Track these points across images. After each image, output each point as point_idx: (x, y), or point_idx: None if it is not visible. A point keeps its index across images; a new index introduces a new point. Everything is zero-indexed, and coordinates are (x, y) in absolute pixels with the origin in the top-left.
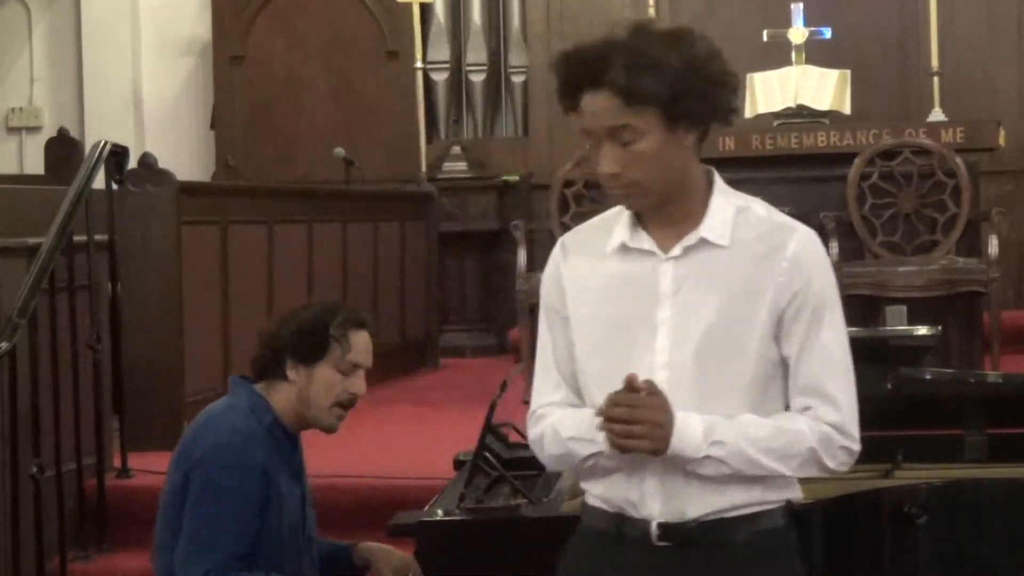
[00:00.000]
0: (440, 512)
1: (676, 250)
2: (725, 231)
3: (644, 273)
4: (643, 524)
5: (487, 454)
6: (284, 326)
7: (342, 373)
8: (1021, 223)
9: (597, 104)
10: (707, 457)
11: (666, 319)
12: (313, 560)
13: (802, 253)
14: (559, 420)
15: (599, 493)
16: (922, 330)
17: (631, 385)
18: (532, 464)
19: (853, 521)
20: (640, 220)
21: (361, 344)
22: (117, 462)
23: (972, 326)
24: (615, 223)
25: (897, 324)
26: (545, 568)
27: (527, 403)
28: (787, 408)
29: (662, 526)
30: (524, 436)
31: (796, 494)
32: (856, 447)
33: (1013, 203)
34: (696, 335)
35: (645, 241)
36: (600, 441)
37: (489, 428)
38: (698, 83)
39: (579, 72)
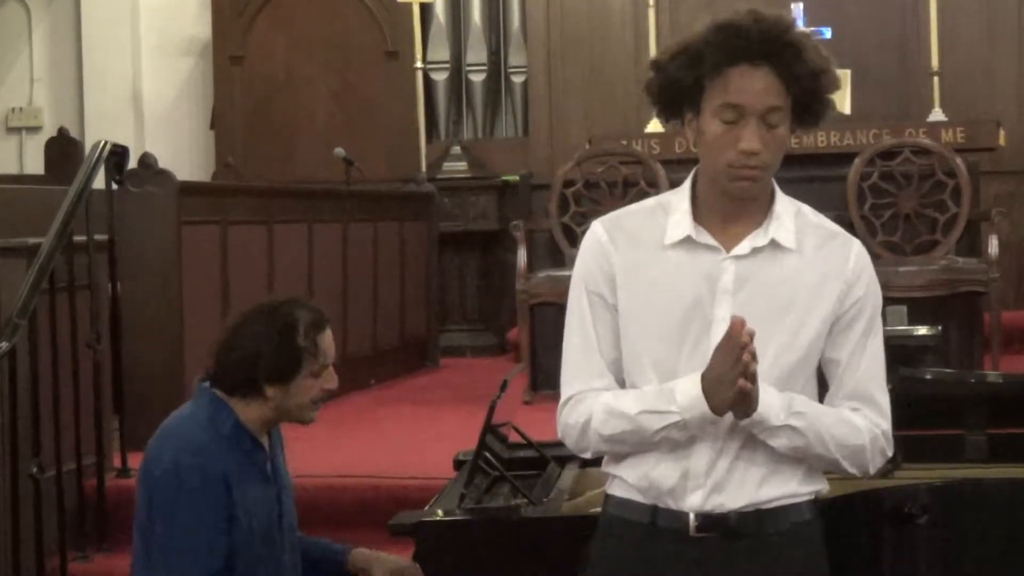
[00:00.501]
0: (440, 512)
1: (742, 248)
2: (791, 235)
3: (705, 268)
4: (681, 515)
5: (487, 454)
6: (245, 344)
7: (317, 376)
8: (1021, 223)
9: (758, 81)
10: (786, 426)
11: (724, 317)
12: (295, 555)
13: (862, 263)
14: (614, 400)
15: (635, 482)
16: (922, 330)
17: (736, 329)
18: (532, 464)
19: (853, 521)
20: (696, 215)
21: (328, 344)
22: (117, 462)
23: (972, 326)
24: (666, 215)
25: (897, 324)
26: (545, 568)
27: (527, 403)
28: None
29: (700, 516)
30: (524, 436)
31: (824, 487)
32: (891, 452)
33: (1013, 203)
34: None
35: (708, 236)
36: (675, 411)
37: (489, 428)
38: (825, 89)
39: (750, 42)
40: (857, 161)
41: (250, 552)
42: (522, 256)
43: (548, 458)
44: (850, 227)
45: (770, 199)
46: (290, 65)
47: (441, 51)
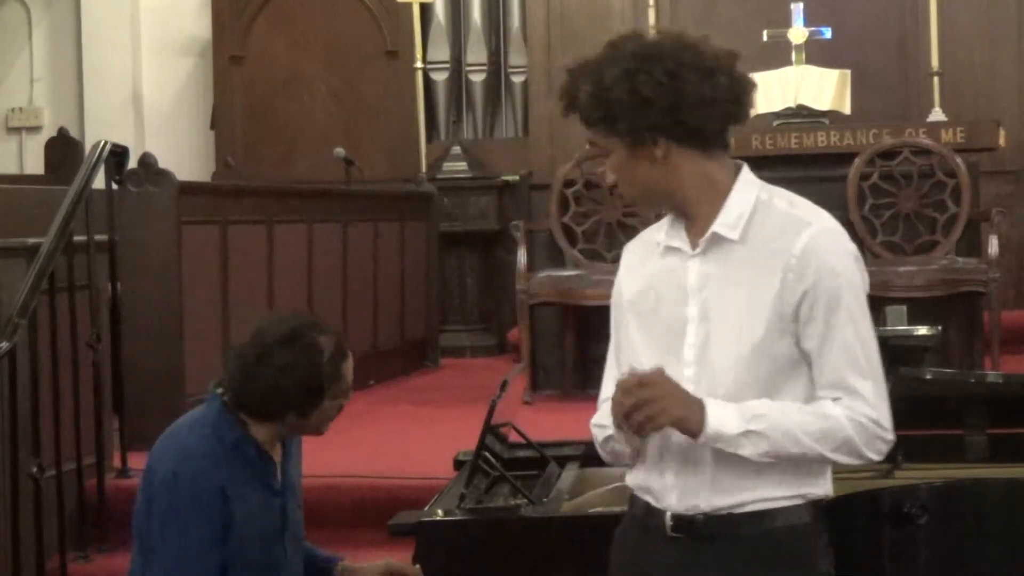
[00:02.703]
0: (440, 512)
1: (699, 247)
2: (738, 226)
3: (677, 270)
4: (661, 515)
5: (487, 454)
6: (272, 375)
7: (335, 398)
8: (1021, 223)
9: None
10: (748, 432)
11: (694, 315)
12: (298, 567)
13: (812, 248)
14: (596, 417)
15: (631, 482)
16: (922, 330)
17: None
18: (532, 464)
19: (853, 521)
20: (680, 220)
21: (349, 369)
22: (117, 462)
23: (972, 326)
24: (664, 225)
25: (897, 324)
26: (545, 568)
27: (527, 403)
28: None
29: (675, 517)
30: (524, 436)
31: (820, 490)
32: (891, 437)
33: (1013, 203)
34: (714, 331)
35: (676, 239)
36: (607, 426)
37: (489, 428)
38: (651, 104)
39: (560, 97)
40: (857, 161)
41: (246, 563)
42: (522, 256)
43: (548, 458)
44: (850, 227)
45: (726, 193)
46: (290, 65)
47: (441, 51)
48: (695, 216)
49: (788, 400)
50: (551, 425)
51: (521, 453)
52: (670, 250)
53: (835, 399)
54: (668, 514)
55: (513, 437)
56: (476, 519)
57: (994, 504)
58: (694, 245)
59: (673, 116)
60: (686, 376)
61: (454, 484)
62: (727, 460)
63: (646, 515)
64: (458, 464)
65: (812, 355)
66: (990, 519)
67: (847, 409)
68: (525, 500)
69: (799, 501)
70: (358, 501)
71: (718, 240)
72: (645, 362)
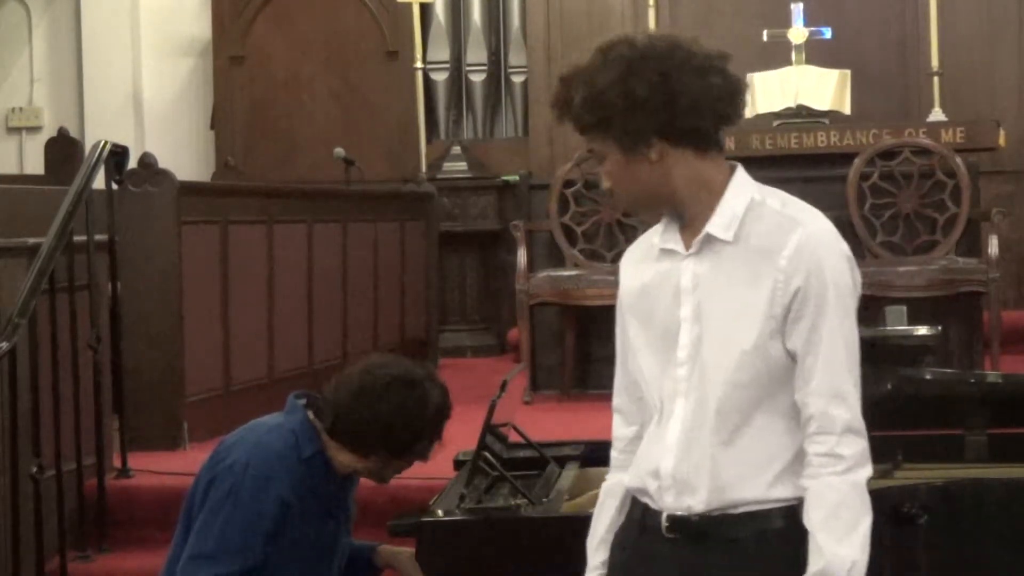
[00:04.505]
0: (440, 512)
1: (693, 247)
2: (732, 226)
3: (672, 272)
4: (658, 515)
5: (487, 454)
6: (378, 408)
7: (419, 454)
8: (1021, 223)
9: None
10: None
11: (687, 316)
12: None
13: (803, 248)
14: (603, 497)
15: (628, 484)
16: (922, 330)
17: None
18: (532, 464)
19: None
20: (675, 222)
21: (444, 431)
22: (117, 462)
23: (972, 326)
24: (660, 227)
25: (897, 324)
26: (545, 568)
27: (527, 403)
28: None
29: (670, 518)
30: (524, 436)
31: (800, 494)
32: (864, 439)
33: (1013, 203)
34: (706, 332)
35: (671, 241)
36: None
37: (489, 428)
38: (645, 105)
39: (553, 105)
40: (857, 161)
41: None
42: (522, 256)
43: (548, 458)
44: (850, 227)
45: (720, 194)
46: (290, 65)
47: (441, 51)
48: (690, 217)
49: (783, 400)
50: (551, 425)
51: (521, 453)
52: (665, 252)
53: (809, 418)
54: (664, 515)
55: (513, 437)
56: (476, 519)
57: (994, 504)
58: (688, 246)
59: (667, 117)
60: (679, 376)
61: (454, 484)
62: (723, 461)
63: (643, 516)
64: (458, 464)
65: (797, 354)
66: (990, 519)
67: (827, 460)
68: (525, 500)
69: (795, 502)
70: (358, 501)
71: (711, 241)
72: (644, 363)
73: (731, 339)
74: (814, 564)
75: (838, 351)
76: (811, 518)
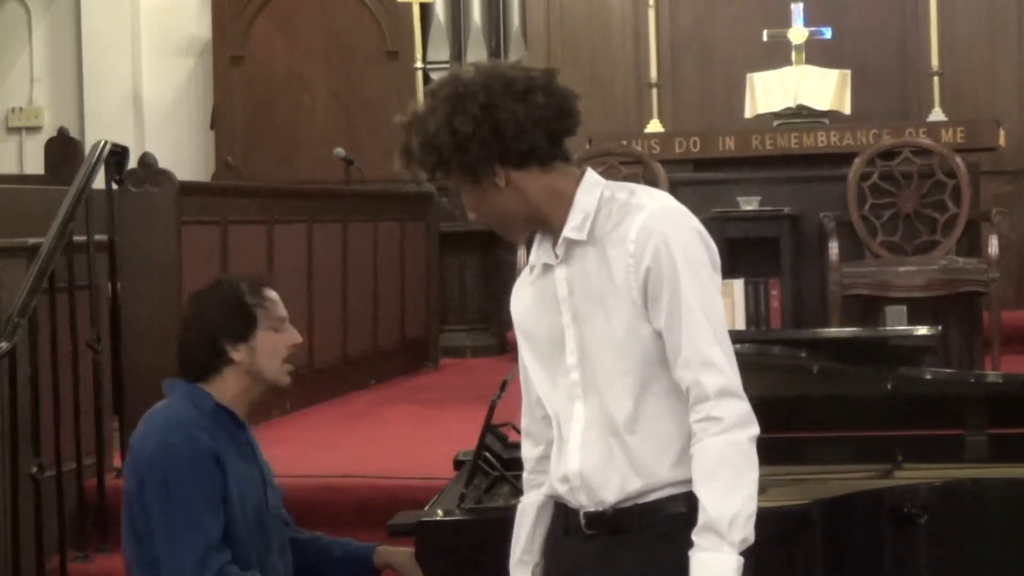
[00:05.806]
0: (440, 512)
1: (559, 255)
2: (584, 226)
3: (550, 284)
4: (576, 514)
5: (487, 454)
6: (199, 319)
7: (277, 331)
8: (1021, 223)
9: None
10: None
11: (568, 321)
12: (284, 539)
13: (646, 229)
14: (518, 517)
15: (546, 493)
16: (922, 330)
17: None
18: None
19: (853, 521)
20: (548, 237)
21: (276, 298)
22: (117, 462)
23: (972, 326)
24: (536, 246)
25: (897, 324)
26: None
27: None
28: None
29: (587, 515)
30: None
31: None
32: (744, 401)
33: (1013, 203)
34: (587, 332)
35: (545, 255)
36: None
37: (489, 428)
38: (474, 139)
39: (399, 154)
40: (857, 161)
41: (244, 532)
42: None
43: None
44: (850, 227)
45: (572, 200)
46: (290, 65)
47: (441, 51)
48: (554, 228)
49: (667, 382)
50: None
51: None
52: (544, 267)
53: (687, 388)
54: (581, 513)
55: (513, 437)
56: (476, 519)
57: (994, 504)
58: (557, 256)
59: (499, 145)
60: (573, 381)
61: (454, 484)
62: (625, 451)
63: (565, 518)
64: (458, 464)
65: (664, 332)
66: (990, 519)
67: (708, 424)
68: None
69: (688, 488)
70: (358, 501)
71: (571, 244)
72: (535, 380)
73: (607, 333)
74: (699, 521)
75: (698, 321)
76: (695, 479)
